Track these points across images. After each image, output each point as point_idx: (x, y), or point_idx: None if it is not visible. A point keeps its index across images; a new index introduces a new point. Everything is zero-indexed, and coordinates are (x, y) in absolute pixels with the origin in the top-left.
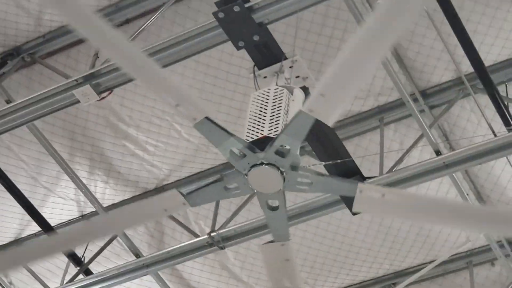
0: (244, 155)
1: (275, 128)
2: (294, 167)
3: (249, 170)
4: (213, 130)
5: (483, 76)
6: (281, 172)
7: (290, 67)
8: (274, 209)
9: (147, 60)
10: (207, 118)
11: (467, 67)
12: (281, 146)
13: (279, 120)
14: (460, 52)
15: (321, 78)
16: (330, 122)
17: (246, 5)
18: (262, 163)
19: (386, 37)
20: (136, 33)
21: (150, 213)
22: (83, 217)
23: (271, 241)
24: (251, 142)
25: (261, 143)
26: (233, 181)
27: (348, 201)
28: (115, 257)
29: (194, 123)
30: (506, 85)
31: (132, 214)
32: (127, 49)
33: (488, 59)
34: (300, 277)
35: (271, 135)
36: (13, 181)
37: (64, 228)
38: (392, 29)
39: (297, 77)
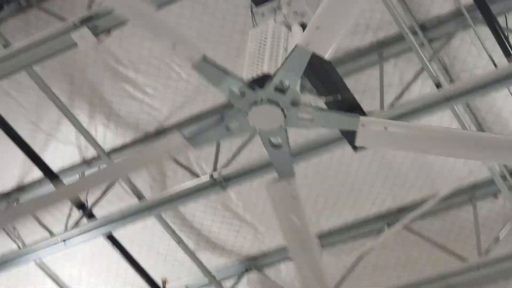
0: (244, 94)
1: (274, 65)
2: (294, 103)
3: (249, 109)
4: (211, 69)
5: (483, 7)
6: (282, 109)
7: (288, 4)
8: (277, 147)
9: (142, 3)
10: (204, 57)
11: None
12: (280, 82)
13: (278, 57)
14: None
15: (316, 11)
16: (326, 54)
17: None
18: (262, 101)
19: None
20: None
21: (154, 157)
22: (84, 161)
23: (276, 179)
24: (252, 80)
25: (261, 81)
26: (234, 120)
27: (349, 137)
28: (117, 200)
29: (192, 63)
30: (505, 15)
31: (137, 161)
32: None
33: None
34: (307, 213)
35: (271, 73)
36: (13, 128)
37: (72, 178)
38: None
39: (295, 13)
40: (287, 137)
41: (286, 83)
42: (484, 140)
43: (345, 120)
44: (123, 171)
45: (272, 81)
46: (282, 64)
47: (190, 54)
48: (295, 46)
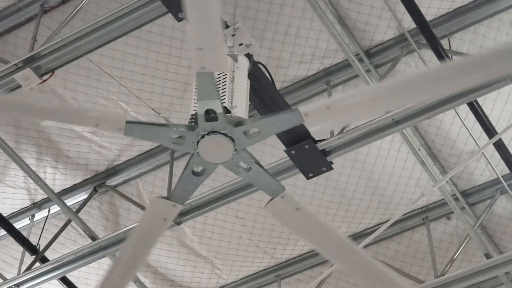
0: (184, 136)
1: (221, 96)
2: (236, 123)
3: (197, 147)
4: (142, 129)
5: (426, 31)
6: (224, 134)
7: (233, 35)
8: (249, 169)
9: (48, 102)
10: (128, 122)
11: (408, 23)
12: (207, 112)
13: (225, 88)
14: (401, 8)
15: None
16: (224, 69)
17: None
18: (203, 136)
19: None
20: (72, 13)
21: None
22: (34, 204)
23: (271, 199)
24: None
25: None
26: (195, 163)
27: (302, 167)
28: (70, 242)
29: (122, 132)
30: (448, 38)
31: (140, 242)
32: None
33: (429, 14)
34: (320, 217)
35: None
36: None
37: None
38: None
39: (240, 44)
40: (252, 157)
41: (212, 109)
42: (420, 78)
43: (289, 118)
44: (135, 263)
45: (198, 114)
46: (197, 96)
47: (115, 126)
48: (196, 74)
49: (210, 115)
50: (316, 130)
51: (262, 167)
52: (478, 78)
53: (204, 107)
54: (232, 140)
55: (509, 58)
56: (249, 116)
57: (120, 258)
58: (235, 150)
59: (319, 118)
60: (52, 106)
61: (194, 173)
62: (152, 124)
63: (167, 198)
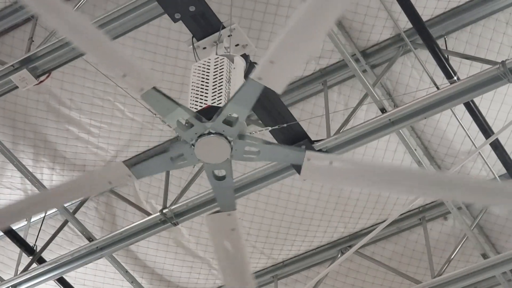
0: (191, 125)
1: (218, 97)
2: (241, 136)
3: (196, 140)
4: (160, 100)
5: (422, 31)
6: (229, 141)
7: (229, 36)
8: (220, 178)
9: (94, 30)
10: (154, 88)
11: (404, 23)
12: (229, 115)
13: (221, 89)
14: (397, 8)
15: (270, 45)
16: (279, 89)
17: None
18: (209, 133)
19: (334, 4)
20: None
21: (94, 186)
22: None
23: (217, 211)
24: (197, 112)
25: (206, 113)
26: (180, 151)
27: (297, 166)
28: (67, 243)
29: (141, 94)
30: (445, 38)
31: (75, 188)
32: (74, 20)
33: (425, 14)
34: (246, 246)
35: (215, 105)
36: None
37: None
38: None
39: (237, 45)
40: (231, 170)
41: (235, 115)
42: (427, 176)
43: (291, 154)
44: (57, 199)
45: (221, 113)
46: (233, 97)
47: (140, 84)
48: (248, 79)
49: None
50: (309, 179)
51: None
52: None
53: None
54: (220, 134)
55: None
56: (248, 117)
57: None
58: (229, 141)
59: (318, 169)
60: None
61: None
62: (172, 99)
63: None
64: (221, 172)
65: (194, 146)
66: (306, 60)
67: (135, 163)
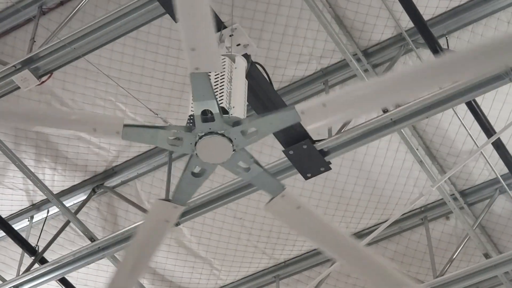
0: (182, 138)
1: (219, 96)
2: (234, 124)
3: (195, 149)
4: (140, 132)
5: (424, 30)
6: (222, 134)
7: (230, 36)
8: (248, 169)
9: (47, 109)
10: (125, 125)
11: (406, 22)
12: (203, 113)
13: (223, 88)
14: (398, 8)
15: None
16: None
17: None
18: (201, 137)
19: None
20: (71, 14)
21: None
22: (33, 206)
23: (271, 198)
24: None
25: (208, 113)
26: (194, 165)
27: (299, 166)
28: (69, 244)
29: (120, 136)
30: (446, 37)
31: (143, 244)
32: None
33: (426, 13)
34: (323, 216)
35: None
36: None
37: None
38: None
39: (238, 45)
40: (251, 156)
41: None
42: (420, 70)
43: (286, 116)
44: (140, 265)
45: (195, 115)
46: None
47: (112, 130)
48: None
49: (207, 115)
50: (313, 128)
51: (261, 166)
52: (473, 71)
53: (200, 108)
54: (230, 140)
55: (501, 51)
56: (247, 116)
57: (124, 262)
58: (234, 150)
59: (316, 115)
60: (48, 113)
61: (193, 174)
62: (149, 126)
63: (168, 200)
64: (244, 164)
65: (197, 155)
66: (301, 58)
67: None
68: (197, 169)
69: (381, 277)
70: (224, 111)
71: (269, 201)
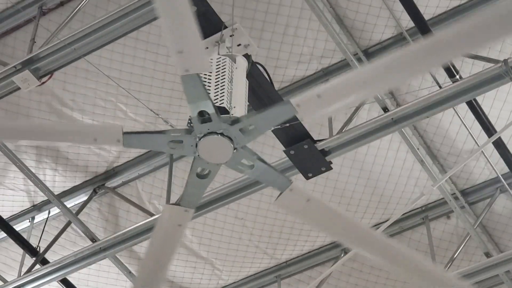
0: (182, 141)
1: (220, 97)
2: (232, 122)
3: (197, 151)
4: (140, 138)
5: (424, 30)
6: (221, 133)
7: (231, 36)
8: (252, 166)
9: (42, 124)
10: (125, 133)
11: (407, 22)
12: (200, 114)
13: (224, 89)
14: (399, 7)
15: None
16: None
17: None
18: (200, 139)
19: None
20: (71, 15)
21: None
22: (34, 206)
23: (280, 194)
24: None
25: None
26: (180, 138)
27: (300, 166)
28: (70, 244)
29: (122, 144)
30: None
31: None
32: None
33: (427, 13)
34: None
35: (217, 105)
36: None
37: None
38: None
39: (239, 45)
40: (254, 153)
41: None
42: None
43: (282, 111)
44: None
45: (193, 117)
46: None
47: (113, 138)
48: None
49: (204, 116)
50: (310, 120)
51: (265, 162)
52: (463, 49)
53: (196, 109)
54: (230, 139)
55: (489, 26)
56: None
57: (142, 270)
58: (235, 148)
59: (311, 107)
60: (47, 127)
61: (198, 176)
62: (149, 132)
63: (178, 204)
64: (248, 161)
65: (200, 156)
66: (301, 58)
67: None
68: (201, 171)
69: (408, 265)
70: (225, 111)
71: (278, 196)
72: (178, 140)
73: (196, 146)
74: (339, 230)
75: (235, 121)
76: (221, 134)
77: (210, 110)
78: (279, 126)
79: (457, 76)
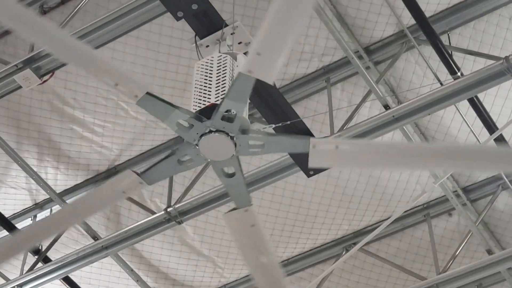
0: (192, 126)
1: (221, 95)
2: (244, 131)
3: (199, 140)
4: (157, 104)
5: (426, 27)
6: (231, 137)
7: (232, 34)
8: (230, 175)
9: (79, 44)
10: (148, 93)
11: (408, 19)
12: (226, 111)
13: (225, 86)
14: (400, 4)
15: (255, 37)
16: (270, 80)
17: None
18: (210, 131)
19: None
20: (72, 13)
21: (109, 198)
22: (36, 205)
23: (234, 209)
24: (199, 111)
25: (210, 112)
26: (186, 153)
27: (302, 164)
28: (72, 242)
29: (137, 101)
30: (448, 34)
31: (91, 202)
32: (57, 36)
33: (428, 10)
34: (269, 241)
35: (218, 103)
36: None
37: (26, 226)
38: None
39: (240, 43)
40: (240, 166)
41: (233, 111)
42: (429, 150)
43: (296, 143)
44: (79, 213)
45: (218, 110)
46: (227, 93)
47: (133, 91)
48: (238, 74)
49: (228, 114)
50: (314, 165)
51: (243, 177)
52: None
53: (228, 106)
54: (235, 145)
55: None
56: (249, 115)
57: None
58: (233, 155)
59: (324, 154)
60: (83, 52)
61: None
62: (168, 102)
63: (138, 174)
64: (230, 169)
65: (198, 146)
66: (302, 55)
67: (144, 170)
68: (185, 158)
69: None
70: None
71: (230, 210)
72: (189, 123)
73: (201, 136)
74: (256, 264)
75: (247, 131)
76: (231, 137)
77: (240, 114)
78: (280, 124)
79: (459, 73)
